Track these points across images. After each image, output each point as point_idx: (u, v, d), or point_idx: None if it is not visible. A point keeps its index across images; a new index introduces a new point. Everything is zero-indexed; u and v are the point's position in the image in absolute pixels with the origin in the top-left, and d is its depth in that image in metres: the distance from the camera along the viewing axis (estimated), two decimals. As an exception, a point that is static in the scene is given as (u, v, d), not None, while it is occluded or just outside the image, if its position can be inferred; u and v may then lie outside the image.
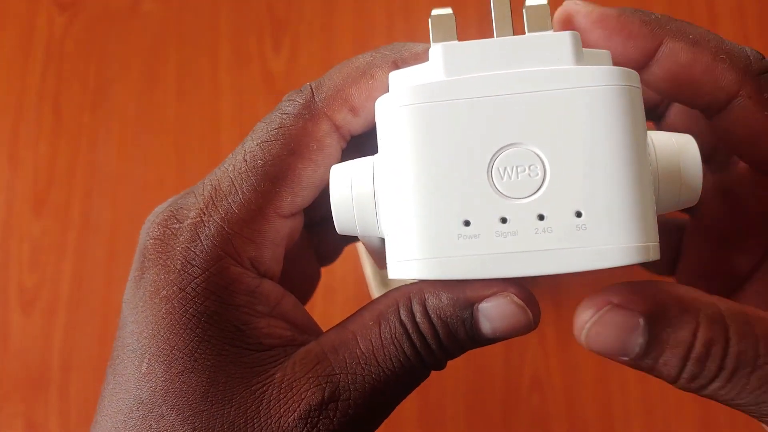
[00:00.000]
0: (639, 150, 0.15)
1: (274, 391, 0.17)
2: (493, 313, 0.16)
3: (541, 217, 0.15)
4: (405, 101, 0.16)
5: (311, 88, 0.20)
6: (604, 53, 0.17)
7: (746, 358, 0.16)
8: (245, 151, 0.19)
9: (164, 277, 0.18)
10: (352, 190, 0.17)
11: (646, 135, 0.16)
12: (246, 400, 0.17)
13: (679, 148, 0.17)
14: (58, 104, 0.47)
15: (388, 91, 0.18)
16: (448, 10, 0.16)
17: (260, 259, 0.18)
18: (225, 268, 0.17)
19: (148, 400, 0.17)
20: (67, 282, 0.44)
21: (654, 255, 0.16)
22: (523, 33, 0.16)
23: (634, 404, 0.40)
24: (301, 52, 0.47)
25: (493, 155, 0.15)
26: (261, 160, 0.18)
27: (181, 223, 0.18)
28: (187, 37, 0.48)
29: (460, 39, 0.16)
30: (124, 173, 0.46)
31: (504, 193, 0.16)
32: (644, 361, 0.16)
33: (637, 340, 0.16)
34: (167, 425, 0.16)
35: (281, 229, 0.18)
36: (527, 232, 0.15)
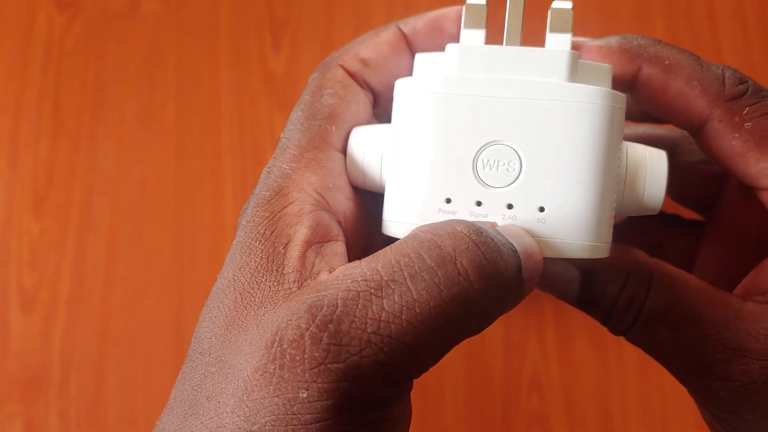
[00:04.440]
0: (606, 163, 0.18)
1: (256, 328, 0.17)
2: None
3: (510, 206, 0.18)
4: (420, 87, 0.18)
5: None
6: (605, 68, 0.19)
7: (657, 313, 0.19)
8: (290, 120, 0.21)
9: (243, 217, 0.20)
10: (365, 149, 0.20)
11: (618, 149, 0.18)
12: (247, 328, 0.17)
13: (648, 161, 0.20)
14: (58, 104, 0.47)
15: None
16: (482, 1, 0.19)
17: (323, 185, 0.19)
18: (284, 194, 0.19)
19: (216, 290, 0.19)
20: (67, 282, 0.44)
21: (603, 253, 0.18)
22: (537, 34, 0.19)
23: (633, 404, 0.40)
24: (301, 52, 0.47)
25: (481, 147, 0.18)
26: (300, 112, 0.21)
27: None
28: (186, 37, 0.48)
29: (489, 27, 0.19)
30: (124, 173, 0.46)
31: (484, 180, 0.18)
32: (580, 306, 0.20)
33: (574, 289, 0.20)
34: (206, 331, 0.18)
35: (336, 158, 0.20)
36: (496, 216, 0.18)
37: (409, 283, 0.16)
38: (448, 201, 0.18)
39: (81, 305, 0.44)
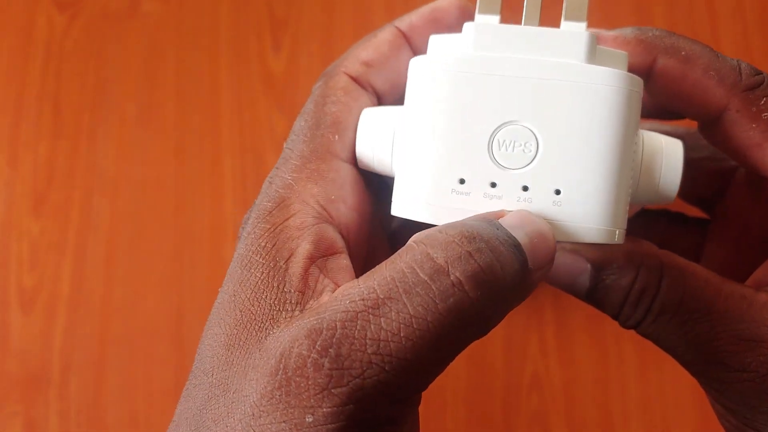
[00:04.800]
0: (624, 147, 0.17)
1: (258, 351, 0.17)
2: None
3: (525, 188, 0.18)
4: (434, 65, 0.18)
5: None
6: (621, 55, 0.19)
7: (669, 306, 0.19)
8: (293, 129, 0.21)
9: (244, 228, 0.20)
10: (375, 129, 0.20)
11: (635, 134, 0.18)
12: (248, 346, 0.17)
13: (665, 150, 0.19)
14: (58, 104, 0.47)
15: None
16: None
17: (326, 197, 0.19)
18: (286, 206, 0.19)
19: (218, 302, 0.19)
20: (67, 282, 0.44)
21: (618, 239, 0.18)
22: (552, 21, 0.18)
23: (633, 404, 0.40)
24: (301, 52, 0.47)
25: (497, 127, 0.18)
26: (303, 122, 0.20)
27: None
28: (186, 37, 0.48)
29: (504, 13, 0.18)
30: (124, 173, 0.46)
31: (499, 161, 0.18)
32: (591, 300, 0.20)
33: (585, 282, 0.20)
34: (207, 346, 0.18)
35: (340, 168, 0.20)
36: (510, 198, 0.18)
37: (405, 300, 0.16)
38: (462, 182, 0.18)
39: (81, 305, 0.44)
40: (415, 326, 0.16)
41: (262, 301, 0.18)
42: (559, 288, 0.20)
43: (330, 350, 0.16)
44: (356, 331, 0.16)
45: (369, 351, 0.15)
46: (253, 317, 0.17)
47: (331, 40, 0.47)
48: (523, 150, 0.17)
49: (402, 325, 0.16)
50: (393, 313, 0.16)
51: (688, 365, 0.21)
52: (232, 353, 0.17)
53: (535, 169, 0.17)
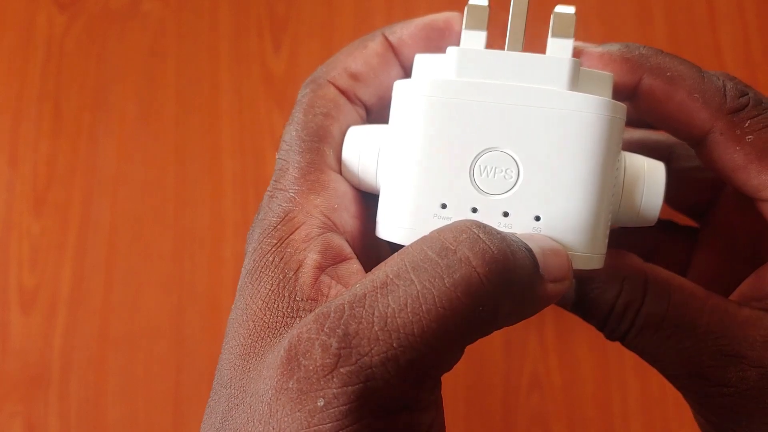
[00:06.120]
0: (604, 174, 0.18)
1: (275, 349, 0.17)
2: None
3: (505, 214, 0.18)
4: (417, 90, 0.18)
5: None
6: (606, 77, 0.19)
7: (653, 320, 0.19)
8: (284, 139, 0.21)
9: (249, 244, 0.20)
10: (360, 149, 0.20)
11: (616, 160, 0.18)
12: (260, 352, 0.17)
13: (647, 173, 0.20)
14: (58, 104, 0.47)
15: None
16: (484, 2, 0.19)
17: (328, 207, 0.19)
18: (290, 219, 0.19)
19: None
20: (67, 282, 0.44)
21: (597, 264, 0.18)
22: (539, 37, 0.18)
23: (633, 404, 0.40)
24: (301, 52, 0.47)
25: (479, 153, 0.18)
26: (295, 132, 0.20)
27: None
28: (187, 36, 0.48)
29: (491, 29, 0.19)
30: (124, 173, 0.46)
31: (480, 187, 0.18)
32: (576, 312, 0.21)
33: (570, 295, 0.20)
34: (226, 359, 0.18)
35: (338, 179, 0.20)
36: (491, 224, 0.17)
37: (413, 276, 0.16)
38: (444, 206, 0.18)
39: (81, 305, 0.44)
40: (421, 300, 0.15)
41: (274, 311, 0.18)
42: None
43: (338, 330, 0.15)
44: (364, 310, 0.16)
45: (376, 328, 0.15)
46: (267, 326, 0.17)
47: (331, 40, 0.47)
48: (504, 176, 0.18)
49: (409, 299, 0.16)
50: (401, 290, 0.16)
51: (671, 378, 0.21)
52: (248, 362, 0.17)
53: (515, 195, 0.18)
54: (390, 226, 0.19)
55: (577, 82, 0.18)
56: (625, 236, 0.24)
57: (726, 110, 0.19)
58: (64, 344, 0.43)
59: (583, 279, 0.20)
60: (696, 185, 0.24)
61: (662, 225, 0.25)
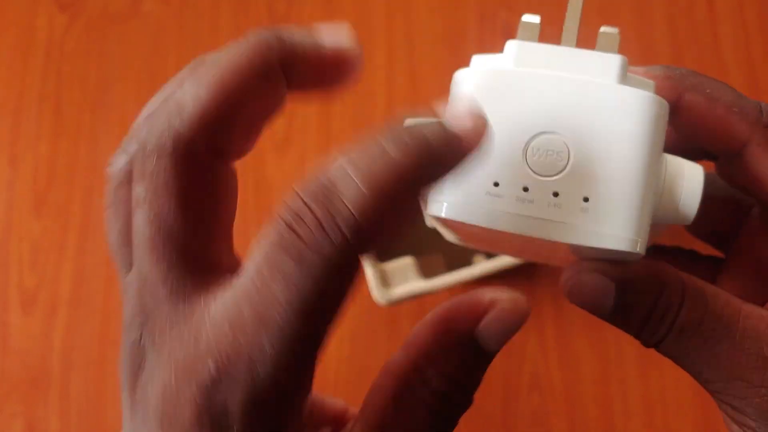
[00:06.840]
0: (650, 163, 0.19)
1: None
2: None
3: (555, 194, 0.19)
4: (478, 75, 0.20)
5: None
6: (649, 83, 0.20)
7: (690, 325, 0.20)
8: None
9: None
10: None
11: (660, 153, 0.19)
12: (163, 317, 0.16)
13: (686, 173, 0.21)
14: (58, 104, 0.47)
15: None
16: (536, 19, 0.20)
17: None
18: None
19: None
20: (67, 282, 0.44)
21: (641, 249, 0.19)
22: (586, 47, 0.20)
23: (634, 403, 0.40)
24: (301, 52, 0.47)
25: (532, 136, 0.19)
26: None
27: None
28: (187, 37, 0.48)
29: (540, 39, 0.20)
30: (124, 173, 0.46)
31: (532, 168, 0.19)
32: (614, 319, 0.20)
33: (609, 302, 0.20)
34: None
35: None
36: (541, 203, 0.19)
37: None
38: (496, 185, 0.19)
39: (81, 305, 0.44)
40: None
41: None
42: (583, 308, 0.21)
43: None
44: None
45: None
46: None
47: (332, 40, 0.47)
48: (555, 159, 0.19)
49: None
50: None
51: (707, 383, 0.21)
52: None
53: (565, 177, 0.19)
54: (440, 203, 0.19)
55: (625, 78, 0.19)
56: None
57: (764, 123, 0.21)
58: (64, 344, 0.43)
59: (621, 283, 0.20)
60: (721, 212, 0.25)
61: (685, 254, 0.26)
